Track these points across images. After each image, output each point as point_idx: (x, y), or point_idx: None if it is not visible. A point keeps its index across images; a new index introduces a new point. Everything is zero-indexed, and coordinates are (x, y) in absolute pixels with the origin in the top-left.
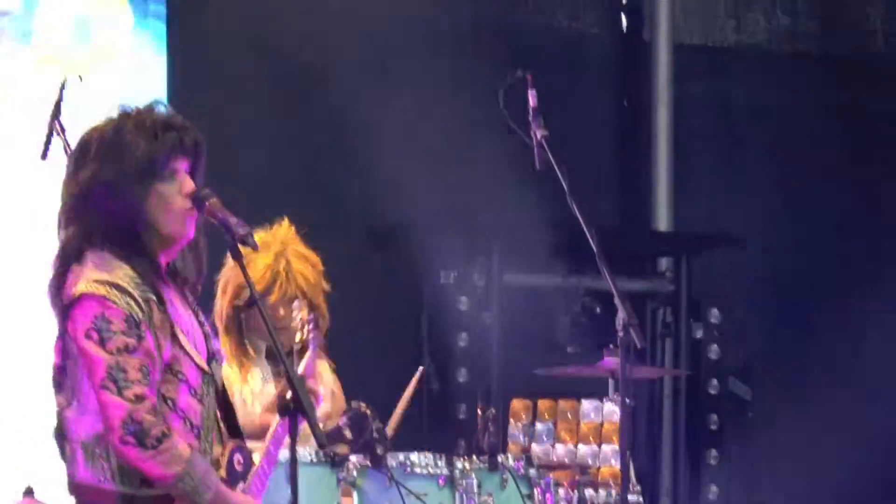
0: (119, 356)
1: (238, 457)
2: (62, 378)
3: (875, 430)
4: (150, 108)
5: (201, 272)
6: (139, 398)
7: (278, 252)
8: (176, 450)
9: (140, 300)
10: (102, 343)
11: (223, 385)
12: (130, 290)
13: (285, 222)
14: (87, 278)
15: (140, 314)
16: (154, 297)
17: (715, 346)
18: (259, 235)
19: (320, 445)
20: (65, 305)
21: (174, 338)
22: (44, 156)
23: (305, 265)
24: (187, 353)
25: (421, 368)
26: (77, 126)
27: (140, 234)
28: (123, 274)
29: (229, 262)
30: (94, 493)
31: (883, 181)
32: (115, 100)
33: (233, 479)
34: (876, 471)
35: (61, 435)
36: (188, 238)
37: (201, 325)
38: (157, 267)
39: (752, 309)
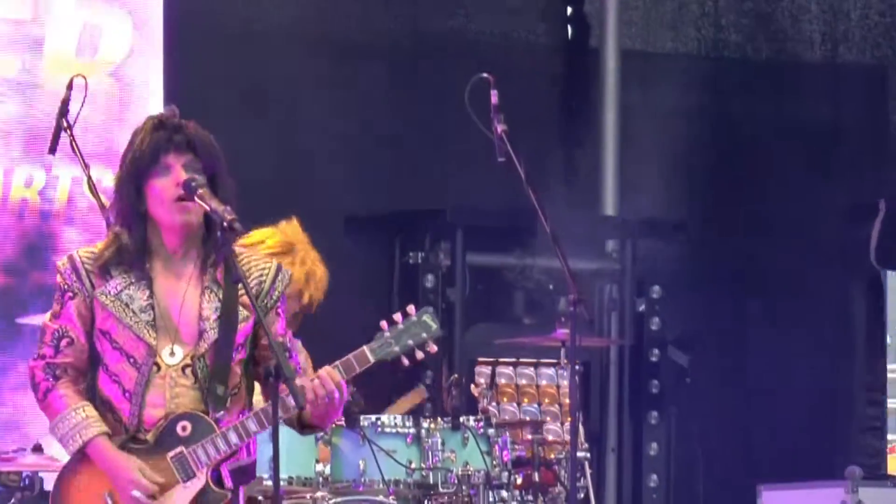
0: (48, 322)
1: (184, 423)
2: None
3: (794, 393)
4: (156, 115)
5: (219, 254)
6: (41, 356)
7: (291, 251)
8: (55, 403)
9: (83, 273)
10: (51, 310)
11: (211, 361)
12: (79, 264)
13: (294, 221)
14: (69, 253)
15: (74, 285)
16: (97, 273)
17: (656, 319)
18: (264, 230)
19: (299, 407)
20: None
21: (108, 309)
22: (52, 150)
23: (318, 266)
24: (126, 326)
25: (421, 387)
26: (82, 122)
27: (144, 228)
28: (88, 249)
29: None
30: None
31: (803, 175)
32: (115, 99)
33: (168, 442)
34: (794, 427)
35: None
36: (189, 225)
37: (201, 304)
38: (144, 252)
39: (688, 286)
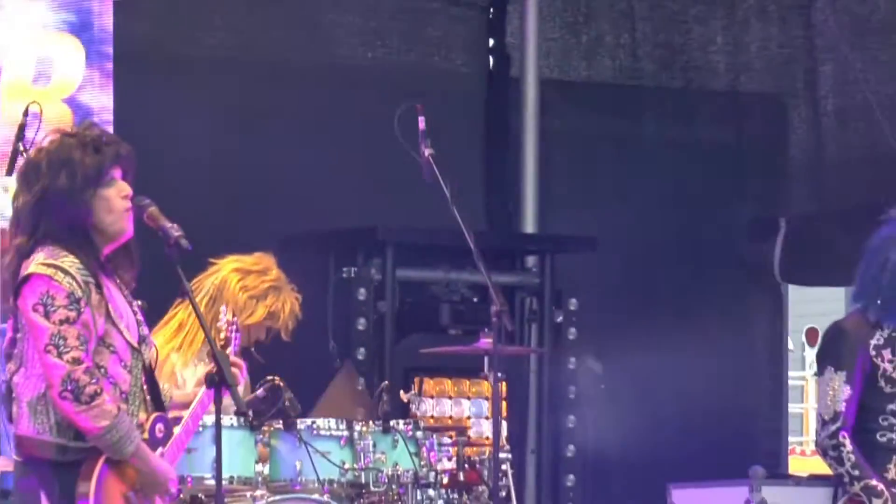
0: (61, 326)
1: (159, 425)
2: (12, 349)
3: (701, 398)
4: (86, 127)
5: (134, 267)
6: (76, 361)
7: (275, 286)
8: (106, 406)
9: (81, 282)
10: (47, 315)
11: (150, 364)
12: (73, 273)
13: (270, 257)
14: (37, 262)
15: (80, 293)
16: (93, 282)
17: (573, 329)
18: (279, 274)
19: (241, 412)
20: (16, 285)
21: (108, 316)
22: (9, 172)
23: (294, 303)
24: (119, 331)
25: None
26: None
27: (88, 232)
28: (68, 261)
29: (229, 283)
30: (34, 444)
31: (710, 195)
32: (68, 125)
33: (153, 443)
34: (700, 431)
35: (9, 398)
36: (129, 234)
37: (134, 312)
38: (99, 259)
39: (603, 298)
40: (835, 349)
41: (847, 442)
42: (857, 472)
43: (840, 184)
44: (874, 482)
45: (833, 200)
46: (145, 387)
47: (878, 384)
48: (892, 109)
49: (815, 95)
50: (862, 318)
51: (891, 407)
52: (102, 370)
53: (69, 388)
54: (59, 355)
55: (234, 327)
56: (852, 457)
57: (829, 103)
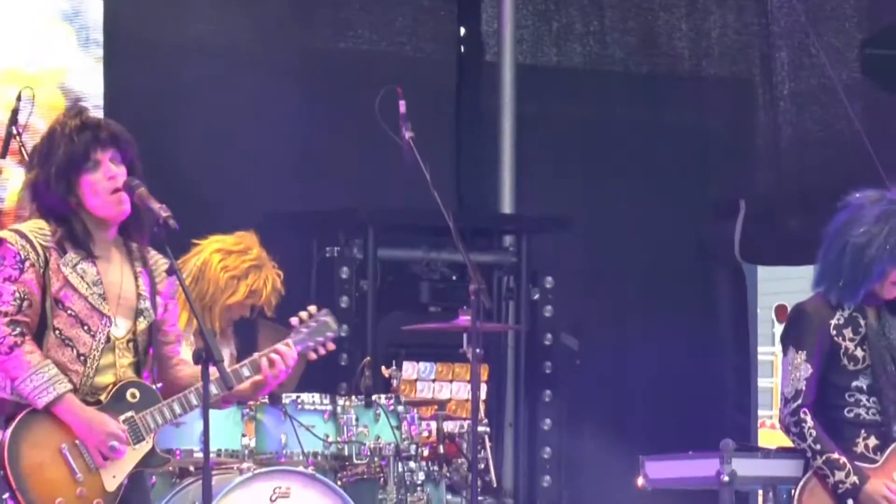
0: (2, 284)
1: (133, 391)
2: None
3: (671, 373)
4: (73, 115)
5: (143, 237)
6: (3, 314)
7: (255, 265)
8: (25, 357)
9: (37, 245)
10: None
11: (143, 335)
12: (31, 237)
13: (252, 233)
14: (9, 227)
15: (28, 254)
16: (56, 248)
17: (549, 307)
18: (260, 252)
19: (228, 387)
20: None
21: (66, 280)
22: (3, 154)
23: (276, 280)
24: (82, 296)
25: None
26: (29, 130)
27: (69, 216)
28: (37, 228)
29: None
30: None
31: (676, 177)
32: (60, 109)
33: (118, 406)
34: (671, 405)
35: None
36: (123, 213)
37: (138, 286)
38: (86, 237)
39: (578, 277)
40: (796, 330)
41: (808, 418)
42: (818, 447)
43: (797, 166)
44: (836, 455)
45: (790, 182)
46: (124, 354)
47: (842, 362)
48: (846, 93)
49: (773, 80)
50: (823, 300)
51: (855, 384)
52: (57, 332)
53: None
54: None
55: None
56: (814, 432)
57: (785, 88)
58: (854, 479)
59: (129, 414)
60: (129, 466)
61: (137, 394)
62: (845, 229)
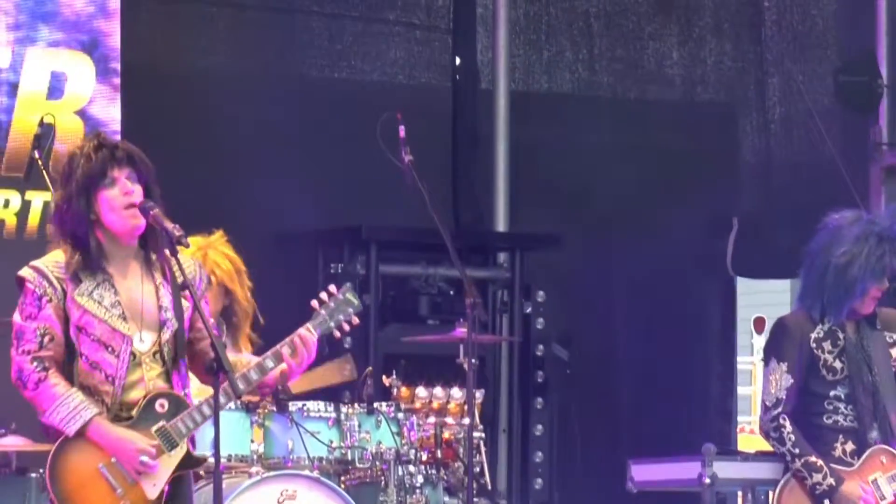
0: (24, 323)
1: (161, 401)
2: None
3: (657, 382)
4: (91, 138)
5: (163, 250)
6: (26, 352)
7: (203, 248)
8: (50, 391)
9: (53, 280)
10: (20, 313)
11: (168, 345)
12: (47, 273)
13: (219, 232)
14: (28, 264)
15: (48, 290)
16: (69, 279)
17: (541, 319)
18: (195, 238)
19: (237, 395)
20: None
21: (84, 308)
22: (26, 177)
23: (224, 259)
24: (102, 320)
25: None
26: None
27: (87, 235)
28: (52, 261)
29: None
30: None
31: (668, 196)
32: (80, 134)
33: (148, 419)
34: (657, 411)
35: None
36: (139, 229)
37: (158, 298)
38: (101, 258)
39: (568, 291)
40: (778, 343)
41: (788, 424)
42: (797, 450)
43: (786, 185)
44: (813, 458)
45: (780, 201)
46: (151, 367)
47: (821, 373)
48: (827, 116)
49: (764, 105)
50: (805, 314)
51: (834, 392)
52: (84, 356)
53: (19, 377)
54: (17, 348)
55: None
56: (793, 437)
57: (776, 112)
58: (831, 480)
59: (161, 424)
60: (168, 472)
61: (166, 404)
62: (826, 250)
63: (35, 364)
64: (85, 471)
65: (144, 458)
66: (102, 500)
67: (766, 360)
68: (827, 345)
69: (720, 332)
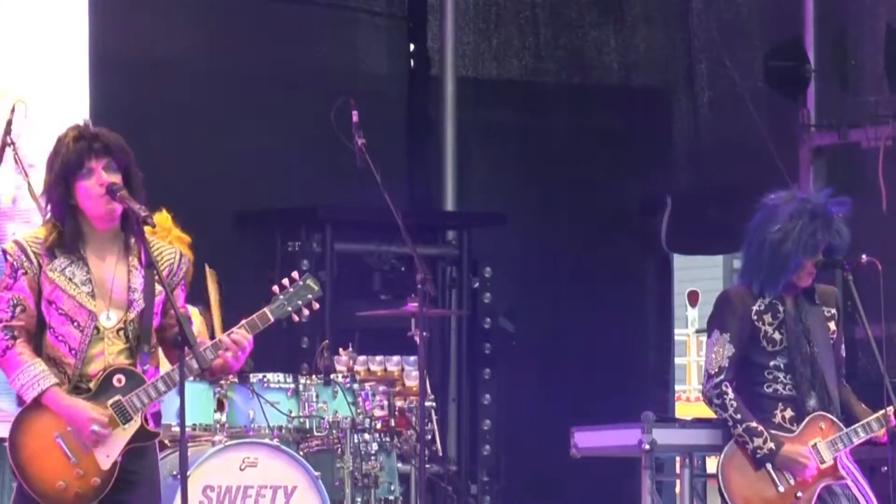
0: (0, 293)
1: (119, 376)
2: None
3: (598, 353)
4: (75, 128)
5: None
6: None
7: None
8: (16, 358)
9: (30, 254)
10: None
11: (133, 324)
12: (26, 247)
13: (164, 211)
14: (13, 239)
15: (25, 264)
16: (45, 255)
17: (488, 294)
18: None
19: (202, 367)
20: None
21: (55, 283)
22: None
23: (182, 246)
24: (71, 296)
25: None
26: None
27: (75, 217)
28: (32, 237)
29: None
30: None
31: (605, 176)
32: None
33: (105, 392)
34: (597, 381)
35: None
36: (115, 213)
37: (129, 280)
38: (80, 237)
39: (513, 267)
40: (721, 315)
41: (730, 391)
42: (738, 416)
43: (715, 166)
44: (754, 424)
45: (710, 180)
46: (114, 343)
47: (762, 344)
48: (757, 100)
49: (693, 89)
50: (747, 289)
51: (773, 363)
52: (52, 328)
53: None
54: None
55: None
56: (734, 403)
57: (705, 96)
58: (771, 444)
59: (117, 398)
60: (121, 444)
61: (123, 379)
62: (763, 227)
63: (5, 332)
64: (41, 439)
65: (96, 428)
66: (58, 467)
67: (710, 332)
68: (767, 317)
69: (658, 306)
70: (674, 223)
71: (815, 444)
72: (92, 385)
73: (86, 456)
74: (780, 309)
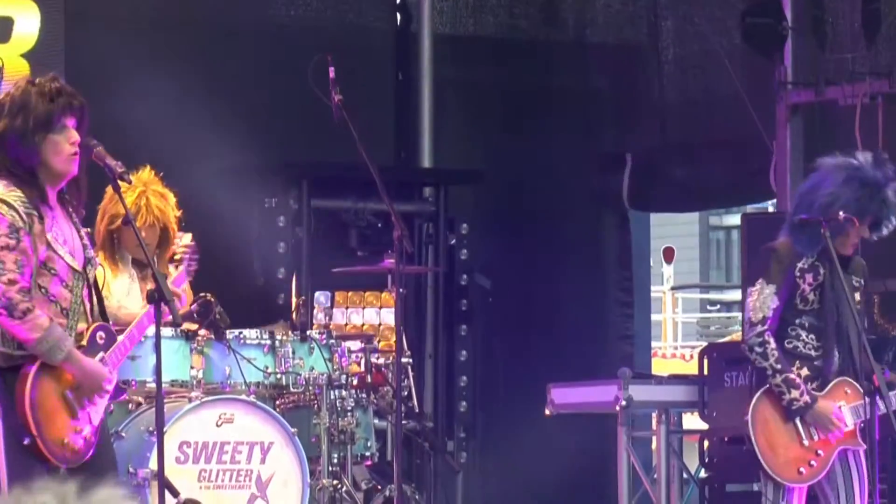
0: (0, 252)
1: (100, 333)
2: None
3: (567, 308)
4: (49, 79)
5: (81, 201)
6: (11, 282)
7: (141, 191)
8: (38, 321)
9: (23, 214)
10: None
11: (96, 282)
12: (17, 207)
13: (147, 168)
14: None
15: (21, 223)
16: (36, 214)
17: (464, 250)
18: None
19: (176, 324)
20: None
21: (49, 245)
22: None
23: (161, 200)
24: (61, 256)
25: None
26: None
27: (36, 170)
28: (14, 195)
29: (107, 194)
30: None
31: (570, 134)
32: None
33: (93, 349)
34: (568, 336)
35: None
36: (73, 174)
37: (81, 238)
38: (45, 194)
39: (490, 223)
40: (766, 267)
41: (772, 340)
42: (779, 366)
43: (679, 123)
44: (793, 376)
45: (672, 137)
46: (87, 302)
47: (794, 301)
48: (732, 58)
49: (658, 46)
50: (791, 245)
51: (799, 321)
52: (44, 290)
53: (3, 304)
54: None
55: (191, 250)
56: (776, 353)
57: (669, 53)
58: (807, 398)
59: (101, 355)
60: (107, 401)
61: (104, 335)
62: (814, 190)
63: (22, 294)
64: (52, 398)
65: (109, 387)
66: (64, 424)
67: (753, 281)
68: (809, 277)
69: (619, 261)
70: (636, 181)
71: (840, 407)
72: (84, 342)
73: (83, 412)
74: (821, 272)
